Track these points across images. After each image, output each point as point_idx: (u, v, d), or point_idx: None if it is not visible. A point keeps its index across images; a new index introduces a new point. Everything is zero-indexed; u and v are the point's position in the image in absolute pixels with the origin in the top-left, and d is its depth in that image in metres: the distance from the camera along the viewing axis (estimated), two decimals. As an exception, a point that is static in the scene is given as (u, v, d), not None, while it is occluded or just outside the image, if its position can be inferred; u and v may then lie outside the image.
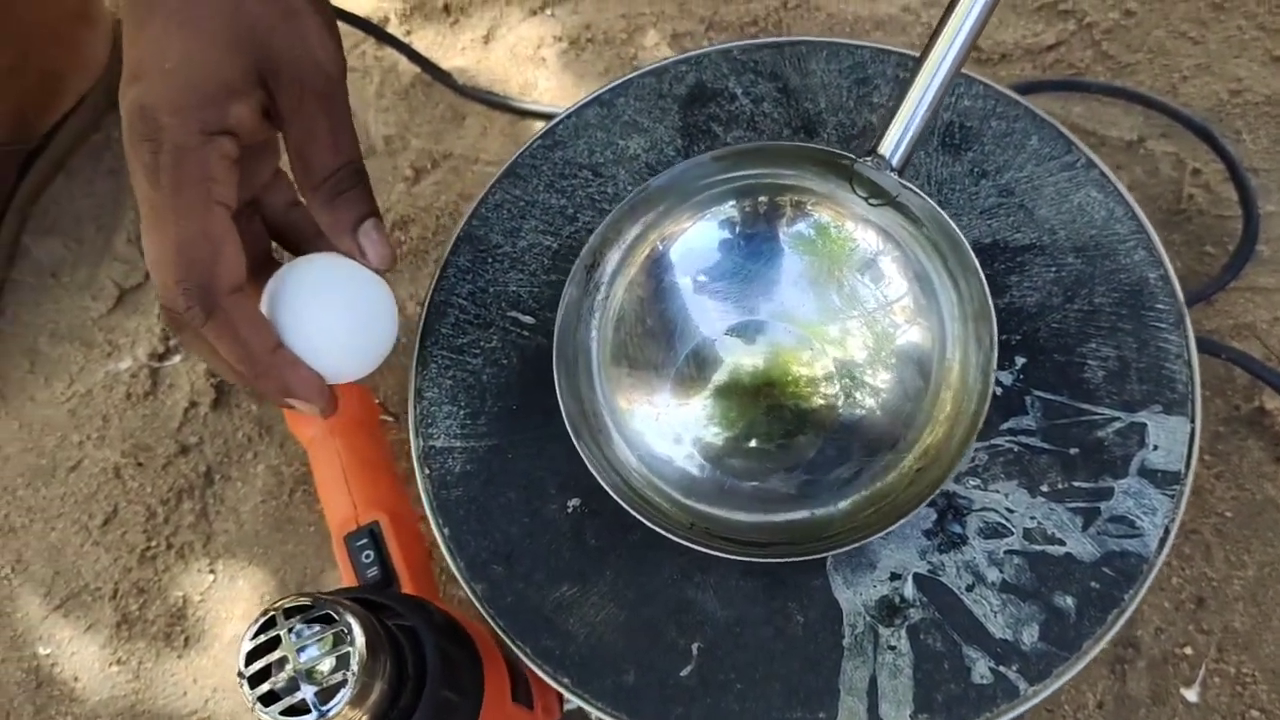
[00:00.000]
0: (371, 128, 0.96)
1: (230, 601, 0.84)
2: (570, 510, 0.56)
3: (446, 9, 0.99)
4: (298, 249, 0.58)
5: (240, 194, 0.52)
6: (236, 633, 0.83)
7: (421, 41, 0.98)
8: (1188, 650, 0.74)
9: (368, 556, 0.67)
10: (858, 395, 0.56)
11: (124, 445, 0.89)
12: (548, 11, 0.98)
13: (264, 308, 0.53)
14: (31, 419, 0.91)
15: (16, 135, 0.90)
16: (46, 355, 0.93)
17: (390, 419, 0.87)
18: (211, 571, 0.85)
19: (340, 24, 0.95)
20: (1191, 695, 0.73)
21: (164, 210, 0.47)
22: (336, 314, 0.53)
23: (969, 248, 0.51)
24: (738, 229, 0.56)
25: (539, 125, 0.94)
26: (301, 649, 0.48)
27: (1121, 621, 0.52)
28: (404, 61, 0.97)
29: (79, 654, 0.84)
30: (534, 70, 0.96)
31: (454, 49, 0.98)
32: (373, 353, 0.55)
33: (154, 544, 0.86)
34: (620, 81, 0.64)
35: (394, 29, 0.99)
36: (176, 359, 0.90)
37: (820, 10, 0.94)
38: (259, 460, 0.87)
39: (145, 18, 0.47)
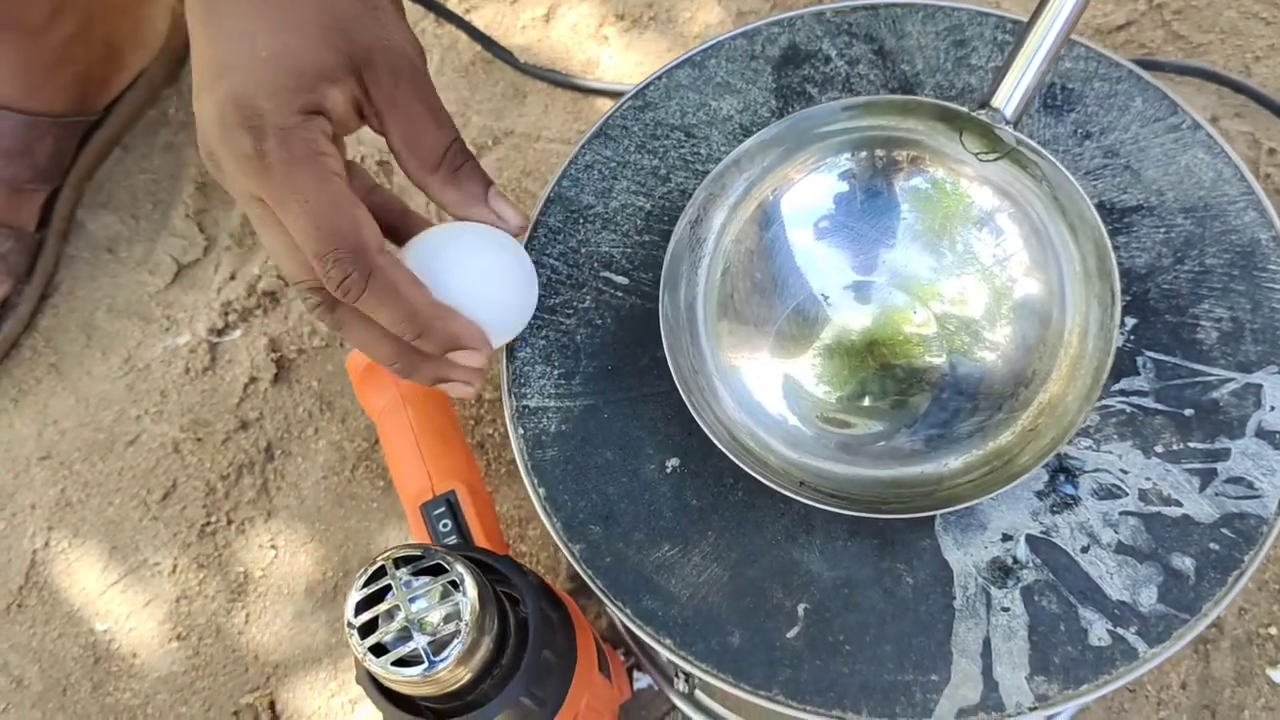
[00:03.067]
0: (432, 105, 0.95)
1: (292, 577, 0.83)
2: (669, 470, 0.55)
3: (506, -13, 0.99)
4: (385, 234, 0.57)
5: None
6: (298, 609, 0.82)
7: (481, 19, 0.98)
8: (1272, 630, 0.73)
9: (445, 525, 0.66)
10: (974, 352, 0.55)
11: (183, 420, 0.88)
12: (609, -11, 0.98)
13: None
14: (88, 393, 0.90)
15: (78, 107, 0.90)
16: (103, 330, 0.92)
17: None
18: (273, 547, 0.84)
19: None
20: (1277, 676, 0.72)
21: (282, 194, 0.47)
22: (490, 275, 0.53)
23: (1088, 201, 0.50)
24: (850, 183, 0.55)
25: (602, 103, 0.94)
26: (411, 599, 0.47)
27: (1242, 584, 0.51)
28: (464, 39, 0.96)
29: (137, 630, 0.83)
30: (596, 48, 0.96)
31: (514, 27, 0.98)
32: (523, 313, 0.56)
33: (214, 519, 0.85)
34: (711, 43, 0.63)
35: (454, 6, 0.98)
36: (236, 334, 0.90)
37: (887, -11, 0.93)
38: (320, 436, 0.86)
39: (228, 18, 0.47)
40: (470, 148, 0.91)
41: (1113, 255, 0.50)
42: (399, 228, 0.57)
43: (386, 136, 0.51)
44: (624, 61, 0.95)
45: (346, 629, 0.47)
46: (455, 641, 0.46)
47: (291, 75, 0.46)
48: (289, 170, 0.46)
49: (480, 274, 0.53)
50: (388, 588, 0.47)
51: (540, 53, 0.96)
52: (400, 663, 0.46)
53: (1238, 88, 0.84)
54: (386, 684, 0.48)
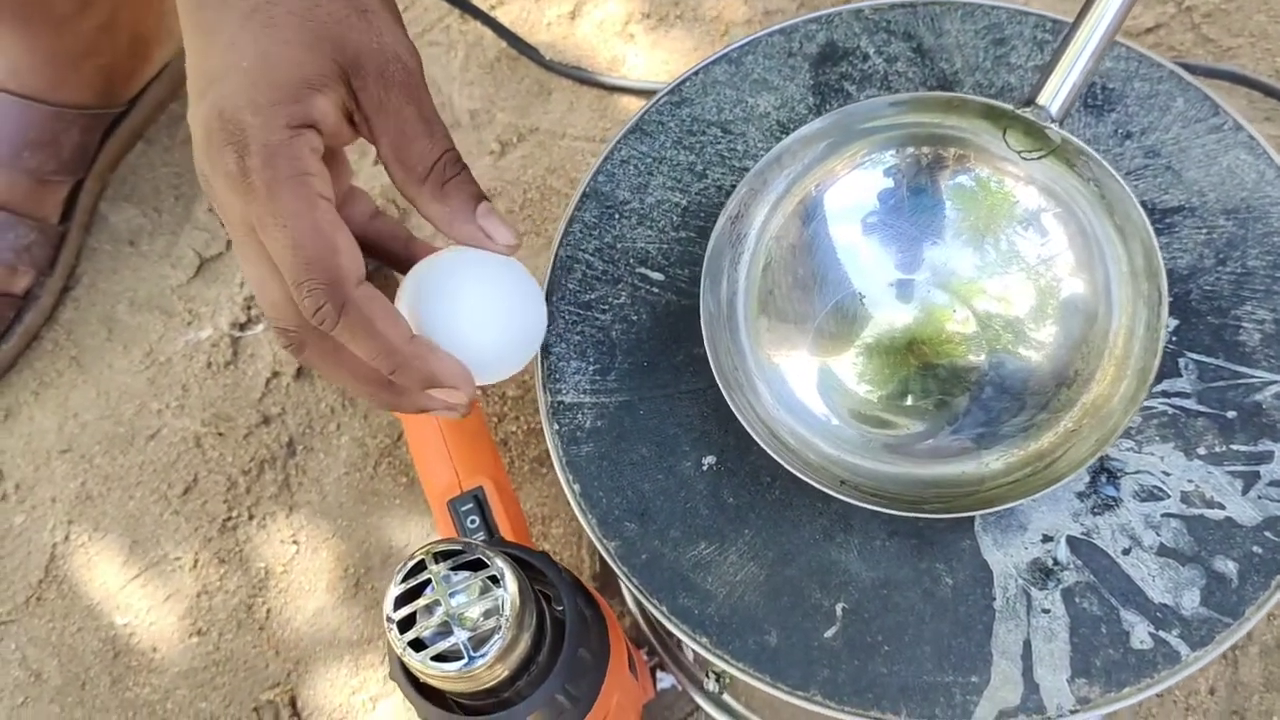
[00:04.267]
0: (456, 101, 0.95)
1: (313, 573, 0.83)
2: (706, 467, 0.55)
3: (532, -16, 0.99)
4: (389, 261, 0.57)
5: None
6: (320, 605, 0.82)
7: (507, 15, 0.97)
8: (1303, 637, 0.73)
9: (473, 521, 0.66)
10: (1018, 351, 0.54)
11: (204, 414, 0.87)
12: (635, -13, 0.97)
13: (405, 310, 0.51)
14: (109, 387, 0.90)
15: (103, 99, 0.89)
16: (125, 323, 0.91)
17: (478, 392, 0.86)
18: (294, 542, 0.83)
19: (427, -4, 0.95)
20: (1308, 682, 0.72)
21: (264, 217, 0.45)
22: (491, 307, 0.52)
23: (1135, 201, 0.50)
24: (894, 180, 0.55)
25: (628, 101, 0.93)
26: (451, 594, 0.46)
27: (1286, 588, 0.50)
28: (489, 35, 0.96)
29: (157, 624, 0.83)
30: (622, 46, 0.95)
31: (540, 23, 0.97)
32: (530, 344, 0.55)
33: (235, 514, 0.85)
34: (749, 39, 0.63)
35: (480, 2, 0.98)
36: (259, 328, 0.89)
37: (915, -11, 0.93)
38: (343, 431, 0.86)
39: (214, 26, 0.46)
40: (494, 144, 0.92)
41: (1159, 255, 0.49)
42: (404, 257, 0.56)
43: (375, 144, 0.49)
44: (650, 59, 0.95)
45: (385, 623, 0.46)
46: (495, 637, 0.45)
47: (276, 87, 0.44)
48: (271, 191, 0.44)
49: (470, 308, 0.51)
50: (426, 582, 0.47)
51: (566, 50, 0.96)
52: (439, 658, 0.45)
53: (1268, 91, 0.84)
54: (422, 679, 0.47)
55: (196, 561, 0.84)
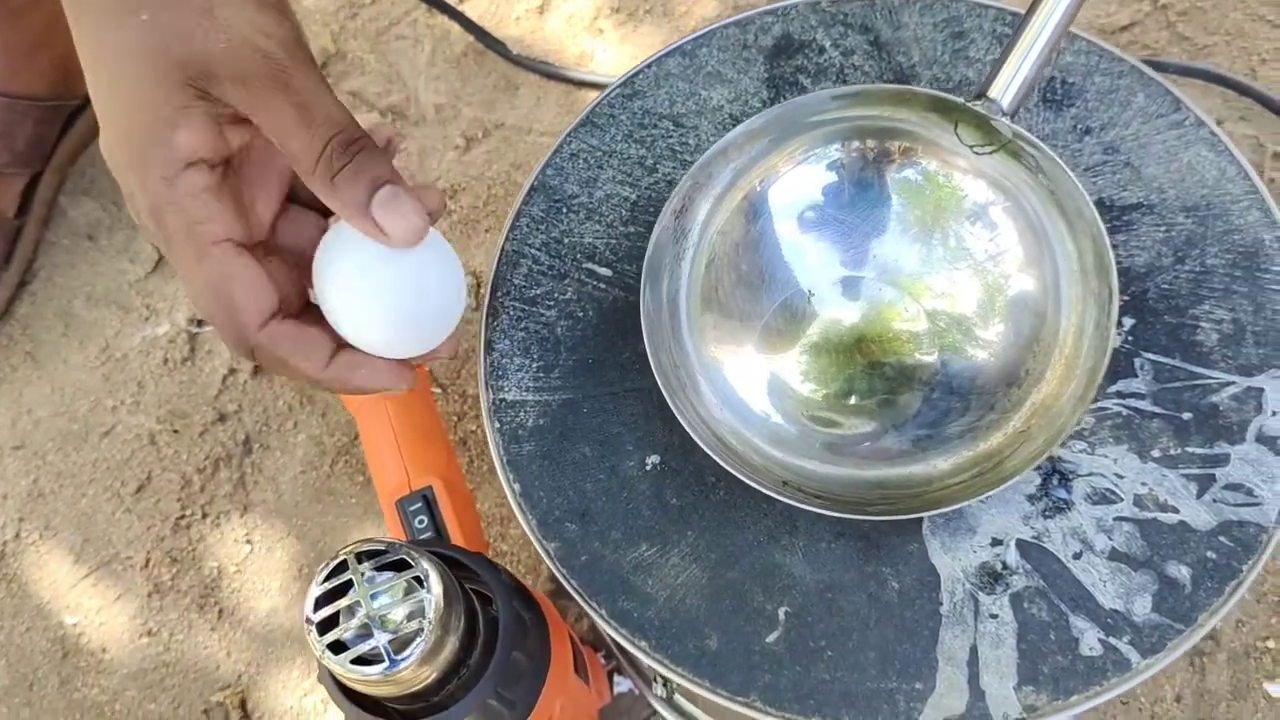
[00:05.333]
0: (422, 96, 0.94)
1: (267, 573, 0.81)
2: (649, 467, 0.54)
3: (501, -23, 0.97)
4: None
5: (262, 207, 0.49)
6: (273, 606, 0.80)
7: (475, 9, 0.96)
8: (1270, 644, 0.71)
9: (421, 521, 0.64)
10: (965, 350, 0.53)
11: (159, 411, 0.86)
12: (605, -18, 0.96)
13: (314, 275, 0.48)
14: (64, 382, 0.88)
15: (59, 91, 0.88)
16: (81, 318, 0.90)
17: (438, 390, 0.84)
18: (248, 542, 0.82)
19: (394, -11, 0.94)
20: (1274, 690, 0.70)
21: (175, 266, 0.46)
22: (386, 284, 0.46)
23: (1086, 197, 0.49)
24: (839, 174, 0.54)
25: (595, 96, 0.92)
26: (373, 595, 0.45)
27: (1239, 594, 0.49)
28: (456, 29, 0.95)
29: (108, 624, 0.81)
30: (591, 41, 0.94)
31: (508, 18, 0.96)
32: (433, 324, 0.49)
33: (189, 513, 0.83)
34: (703, 32, 0.62)
35: (447, -4, 0.96)
36: (216, 324, 0.88)
37: (886, -14, 0.92)
38: (300, 429, 0.85)
39: (90, 64, 0.44)
40: (459, 139, 0.91)
41: (1111, 252, 0.48)
42: None
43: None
44: (619, 54, 0.93)
45: (305, 624, 0.45)
46: (418, 640, 0.44)
47: (139, 141, 0.43)
48: (168, 244, 0.44)
49: (361, 287, 0.46)
50: (350, 583, 0.45)
51: (534, 44, 0.95)
52: (360, 661, 0.44)
53: (1243, 90, 0.83)
54: (347, 683, 0.46)
55: (148, 560, 0.82)
